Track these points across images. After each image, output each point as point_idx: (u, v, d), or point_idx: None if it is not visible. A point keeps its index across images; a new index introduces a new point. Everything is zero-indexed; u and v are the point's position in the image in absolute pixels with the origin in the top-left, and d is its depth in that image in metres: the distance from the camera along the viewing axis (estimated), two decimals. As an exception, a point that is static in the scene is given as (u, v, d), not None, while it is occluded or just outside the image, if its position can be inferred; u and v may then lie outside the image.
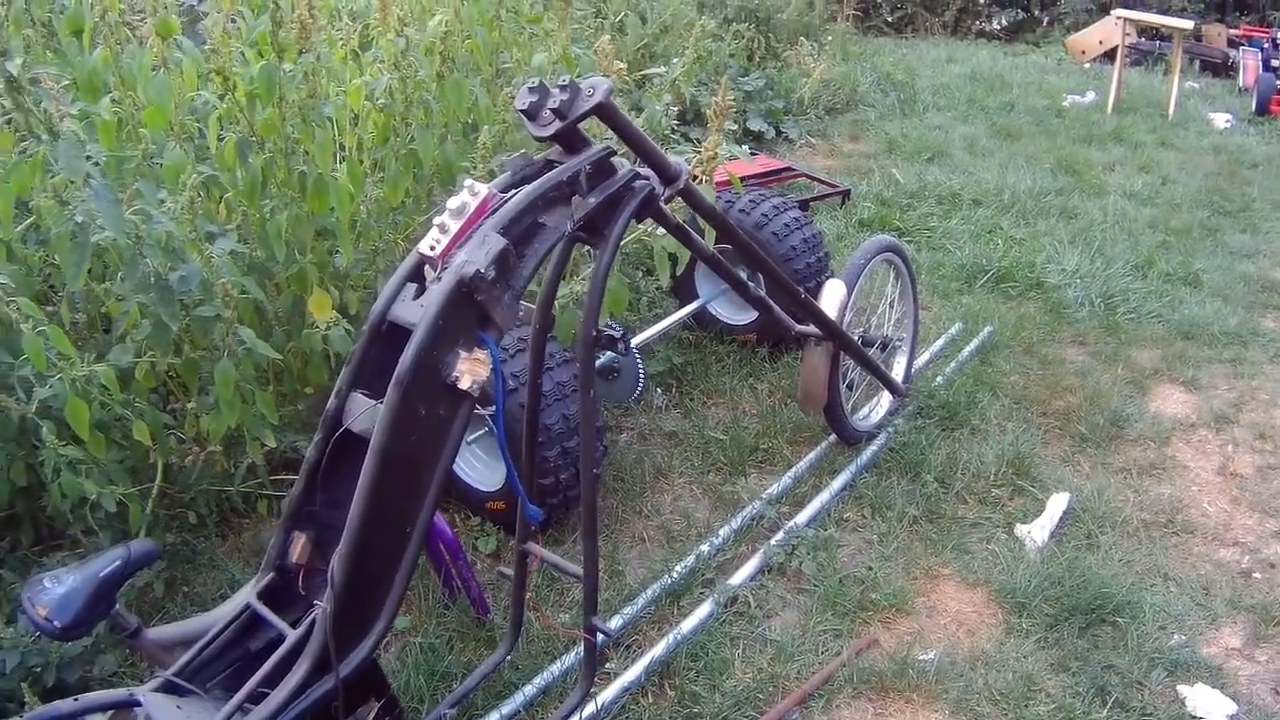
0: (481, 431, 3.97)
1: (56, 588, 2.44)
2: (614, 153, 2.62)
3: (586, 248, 3.77)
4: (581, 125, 2.54)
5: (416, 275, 2.38)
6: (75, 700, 2.28)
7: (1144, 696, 3.37)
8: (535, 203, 2.41)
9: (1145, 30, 12.71)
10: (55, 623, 2.38)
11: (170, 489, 3.80)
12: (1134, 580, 3.84)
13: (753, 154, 7.28)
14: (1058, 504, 4.17)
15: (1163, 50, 12.89)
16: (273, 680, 2.26)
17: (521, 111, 2.52)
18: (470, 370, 2.25)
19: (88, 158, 3.13)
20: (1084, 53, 12.95)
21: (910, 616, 3.69)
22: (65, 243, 3.15)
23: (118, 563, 2.50)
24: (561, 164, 2.53)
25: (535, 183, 2.45)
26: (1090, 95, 11.07)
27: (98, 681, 3.29)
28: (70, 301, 3.67)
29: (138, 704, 2.29)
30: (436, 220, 2.34)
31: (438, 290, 2.22)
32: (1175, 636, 3.61)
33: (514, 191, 2.44)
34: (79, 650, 3.28)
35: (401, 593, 2.37)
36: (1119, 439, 4.79)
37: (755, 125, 8.91)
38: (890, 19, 15.45)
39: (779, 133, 9.15)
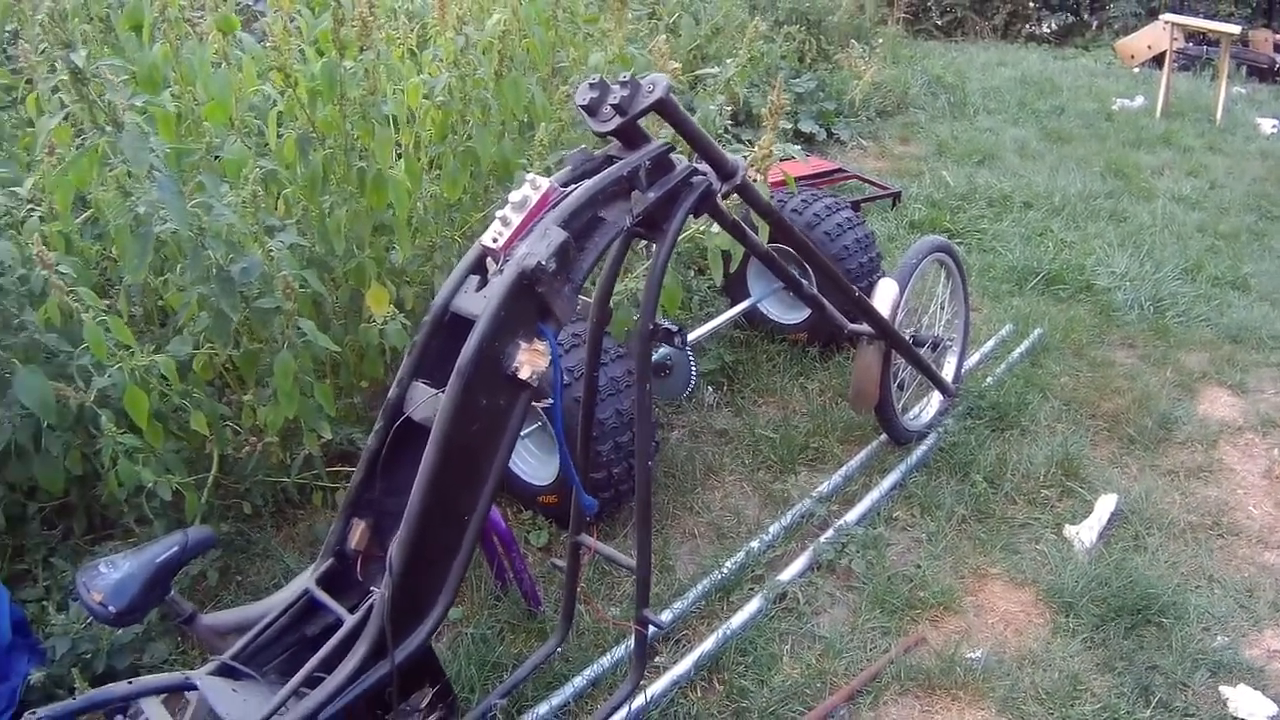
0: (535, 426, 4.00)
1: (112, 573, 2.47)
2: (673, 148, 2.64)
3: (640, 245, 3.80)
4: (640, 121, 2.56)
5: (479, 267, 2.41)
6: (129, 683, 2.31)
7: (1187, 697, 3.37)
8: (596, 197, 2.43)
9: (1193, 35, 12.67)
10: (110, 608, 2.41)
11: (225, 479, 3.84)
12: (1179, 582, 3.84)
13: (807, 156, 7.29)
14: (1106, 505, 4.16)
15: (1210, 55, 12.82)
16: (329, 664, 2.29)
17: (582, 107, 2.54)
18: (530, 361, 2.28)
19: (150, 150, 3.17)
20: (1133, 57, 12.88)
21: (958, 615, 3.70)
22: (126, 234, 3.19)
23: (175, 549, 2.53)
24: (621, 159, 2.55)
25: (596, 177, 2.47)
26: (1139, 99, 11.01)
27: (148, 669, 3.32)
28: (127, 294, 3.71)
29: (193, 687, 2.32)
30: (499, 213, 2.37)
31: (500, 281, 2.25)
32: (1219, 638, 3.61)
33: (574, 186, 2.46)
34: (130, 637, 3.31)
35: (458, 581, 2.40)
36: (1167, 441, 4.78)
37: (807, 127, 8.91)
38: (940, 22, 15.39)
39: (830, 134, 9.15)
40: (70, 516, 3.82)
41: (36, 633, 3.33)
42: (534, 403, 2.45)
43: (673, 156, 2.64)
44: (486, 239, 2.36)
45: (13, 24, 4.47)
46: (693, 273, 5.46)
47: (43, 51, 3.62)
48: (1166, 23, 11.24)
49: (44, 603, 3.47)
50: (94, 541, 3.79)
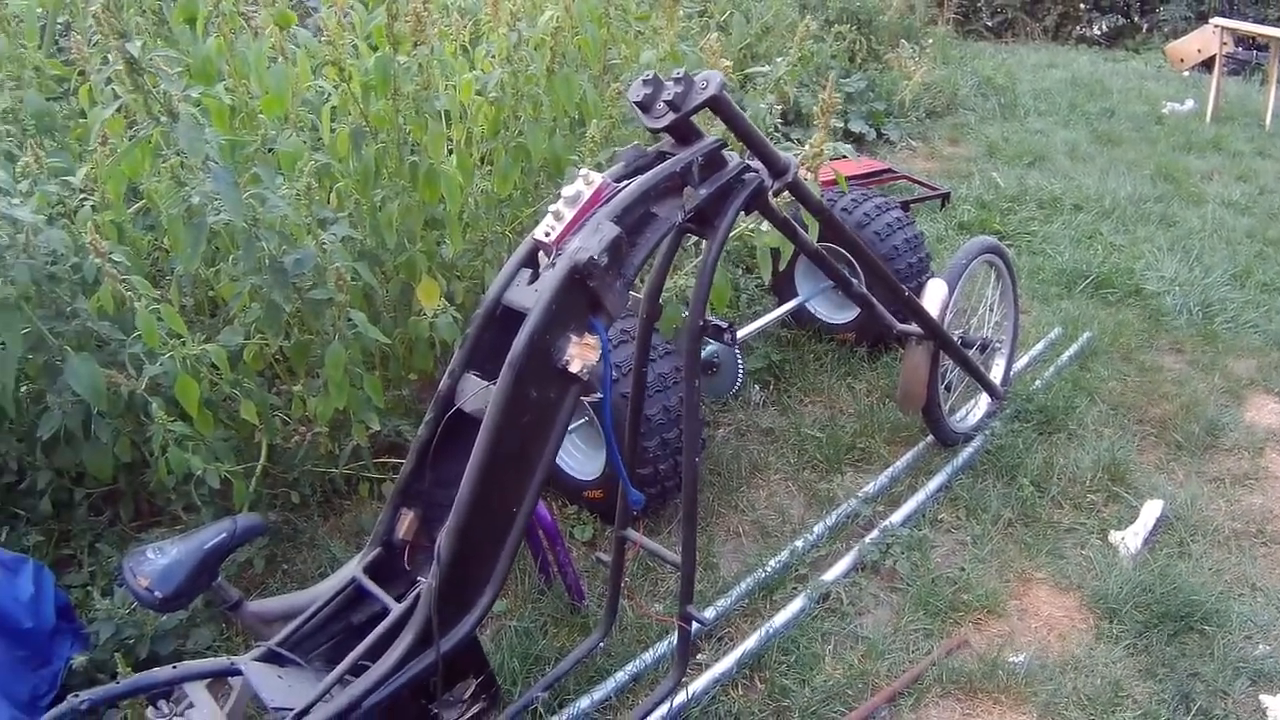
0: (581, 421, 4.00)
1: (159, 558, 2.49)
2: (725, 145, 2.65)
3: (689, 242, 3.80)
4: (693, 118, 2.57)
5: (530, 261, 2.42)
6: (174, 668, 2.33)
7: (1227, 705, 3.35)
8: (648, 192, 2.44)
9: (1242, 39, 12.54)
10: (156, 593, 2.43)
11: (274, 469, 3.87)
12: (1223, 589, 3.81)
13: (859, 155, 7.27)
14: (1151, 511, 4.14)
15: (1260, 60, 12.68)
16: (375, 653, 2.31)
17: (636, 103, 2.55)
18: (580, 355, 2.29)
19: (205, 141, 3.20)
20: (1182, 61, 12.77)
21: (1002, 619, 3.69)
22: (179, 224, 3.22)
23: (223, 535, 2.55)
24: (674, 155, 2.56)
25: (649, 173, 2.48)
26: (1189, 103, 10.91)
27: (191, 655, 3.36)
28: (179, 284, 3.74)
29: (238, 672, 2.34)
30: (552, 207, 2.38)
31: (552, 275, 2.26)
32: (1260, 646, 3.58)
33: (627, 181, 2.47)
34: (174, 623, 3.34)
35: (505, 572, 2.41)
36: (1213, 448, 4.74)
37: (856, 127, 8.88)
38: (990, 23, 15.31)
39: (879, 135, 9.12)
40: (117, 503, 3.86)
41: (80, 617, 3.36)
42: (582, 397, 2.45)
43: (725, 153, 2.65)
44: (539, 233, 2.37)
45: (64, 16, 4.51)
46: (740, 271, 5.47)
47: (95, 43, 3.66)
48: (1216, 27, 11.15)
49: (88, 588, 3.51)
50: (140, 528, 3.83)
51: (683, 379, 3.83)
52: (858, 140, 8.86)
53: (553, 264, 2.31)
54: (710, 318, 2.75)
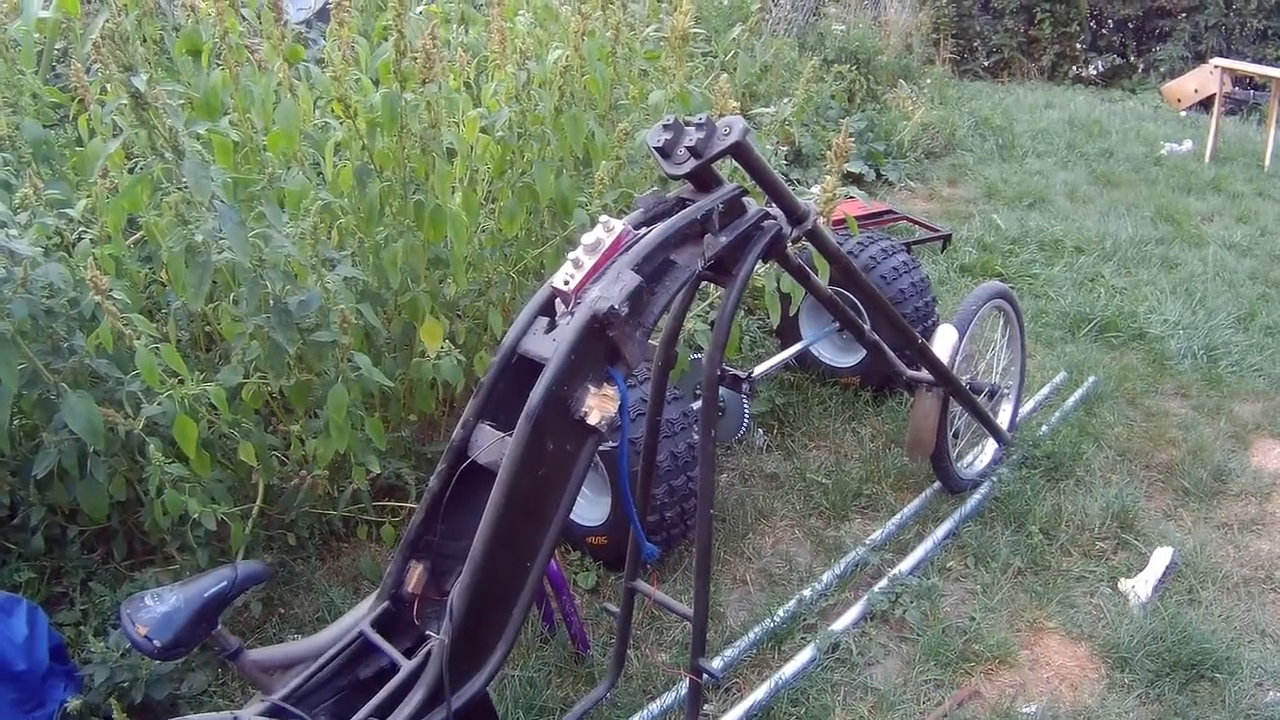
0: (584, 467, 3.96)
1: (158, 605, 2.42)
2: (745, 192, 2.61)
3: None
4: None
5: (547, 309, 2.37)
6: (175, 723, 2.27)
7: (1239, 753, 3.32)
8: (669, 240, 2.40)
9: (1241, 79, 12.55)
10: (154, 642, 2.36)
11: (271, 510, 3.83)
12: (1233, 637, 3.77)
13: (871, 198, 7.25)
14: (1161, 558, 4.11)
15: (1258, 100, 12.71)
16: (384, 710, 2.25)
17: (656, 148, 2.50)
18: (599, 406, 2.23)
19: (211, 179, 3.15)
20: (1180, 101, 12.79)
21: (1013, 669, 3.65)
22: (180, 261, 3.18)
23: (224, 583, 2.49)
24: (694, 202, 2.51)
25: (669, 220, 2.43)
26: (1187, 144, 10.93)
27: (186, 700, 3.32)
28: (175, 319, 3.69)
29: (240, 729, 2.28)
30: (570, 255, 2.33)
31: (571, 325, 2.21)
32: (1271, 694, 3.55)
33: (647, 228, 2.42)
34: (169, 668, 3.31)
35: (518, 628, 2.36)
36: (1221, 494, 4.71)
37: (855, 167, 8.84)
38: (986, 63, 15.37)
39: (879, 175, 9.11)
40: (110, 541, 3.82)
41: (73, 658, 3.32)
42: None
43: (745, 200, 2.60)
44: (557, 281, 2.32)
45: (62, 42, 4.48)
46: (742, 313, 5.42)
47: (95, 72, 3.62)
48: (1216, 67, 11.16)
49: (80, 627, 3.49)
50: (134, 567, 3.80)
51: (690, 426, 3.80)
52: (857, 180, 8.82)
53: (571, 313, 2.26)
54: (728, 367, 2.71)
